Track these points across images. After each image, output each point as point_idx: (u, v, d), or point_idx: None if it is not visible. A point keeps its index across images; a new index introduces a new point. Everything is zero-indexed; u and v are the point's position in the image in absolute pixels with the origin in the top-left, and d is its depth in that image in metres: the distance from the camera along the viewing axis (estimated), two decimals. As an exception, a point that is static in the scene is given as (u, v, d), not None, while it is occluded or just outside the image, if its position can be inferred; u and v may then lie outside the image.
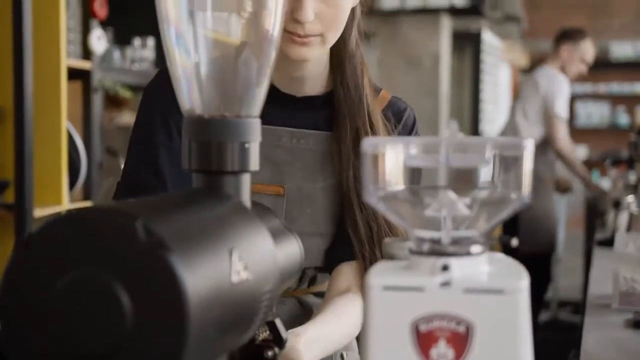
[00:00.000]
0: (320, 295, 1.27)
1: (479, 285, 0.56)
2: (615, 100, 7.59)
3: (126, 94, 3.26)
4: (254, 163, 0.65)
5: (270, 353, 0.69)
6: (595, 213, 4.17)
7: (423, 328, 0.56)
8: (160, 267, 0.49)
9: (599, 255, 2.49)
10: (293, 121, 1.21)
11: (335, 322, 1.13)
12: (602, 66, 6.52)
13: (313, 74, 1.22)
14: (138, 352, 0.49)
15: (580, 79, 4.53)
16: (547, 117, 4.00)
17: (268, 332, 0.71)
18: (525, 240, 3.71)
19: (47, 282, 0.50)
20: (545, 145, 4.01)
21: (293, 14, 1.08)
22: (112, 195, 1.23)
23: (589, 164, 5.88)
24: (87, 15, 3.02)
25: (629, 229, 2.14)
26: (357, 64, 1.23)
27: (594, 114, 7.63)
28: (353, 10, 1.20)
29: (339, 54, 1.23)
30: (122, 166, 1.22)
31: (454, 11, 5.04)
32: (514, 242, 0.66)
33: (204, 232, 0.56)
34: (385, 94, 1.29)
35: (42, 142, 2.59)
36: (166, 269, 0.48)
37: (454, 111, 5.63)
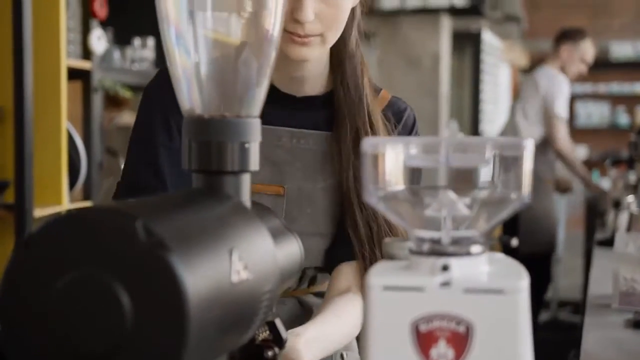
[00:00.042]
0: (321, 295, 1.27)
1: (479, 285, 0.56)
2: (615, 100, 7.59)
3: (126, 94, 3.26)
4: (254, 163, 0.65)
5: (270, 353, 0.69)
6: (595, 213, 4.17)
7: (423, 328, 0.56)
8: (160, 267, 0.49)
9: (599, 255, 2.49)
10: (293, 121, 1.21)
11: (335, 322, 1.13)
12: (602, 66, 6.52)
13: (313, 74, 1.22)
14: (138, 352, 0.49)
15: (580, 79, 4.53)
16: (547, 117, 4.00)
17: (268, 332, 0.71)
18: (525, 240, 3.71)
19: (47, 282, 0.50)
20: (545, 145, 4.01)
21: (293, 14, 1.08)
22: (112, 195, 1.22)
23: (589, 164, 5.88)
24: (87, 15, 3.02)
25: (629, 229, 2.14)
26: (357, 64, 1.23)
27: (594, 114, 7.63)
28: (353, 10, 1.20)
29: (339, 54, 1.23)
30: (122, 166, 1.22)
31: (454, 11, 5.04)
32: (514, 242, 0.66)
33: (204, 232, 0.56)
34: (385, 94, 1.29)
35: (42, 142, 2.59)
36: (166, 269, 0.48)
37: (454, 111, 5.64)
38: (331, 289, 1.21)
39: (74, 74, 2.88)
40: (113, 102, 3.81)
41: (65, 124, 2.70)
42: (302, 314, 1.24)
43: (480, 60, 5.96)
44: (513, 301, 0.56)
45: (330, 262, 1.23)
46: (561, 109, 3.99)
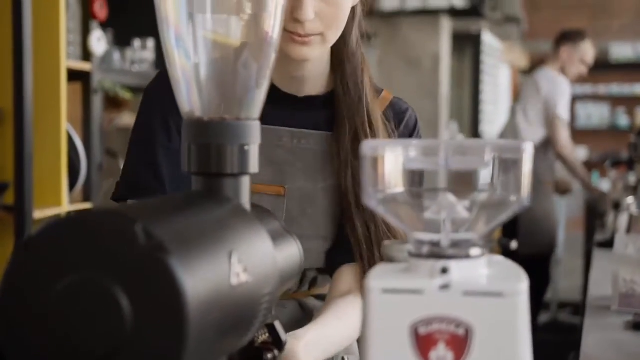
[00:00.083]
0: (321, 298, 1.27)
1: (478, 288, 0.56)
2: (615, 101, 7.59)
3: (126, 95, 3.26)
4: (254, 165, 0.65)
5: (269, 355, 0.69)
6: (595, 214, 4.17)
7: (422, 331, 0.56)
8: (160, 270, 0.49)
9: (599, 257, 2.49)
10: (294, 121, 1.21)
11: (336, 325, 1.12)
12: (602, 67, 6.52)
13: (314, 74, 1.22)
14: (137, 355, 0.49)
15: (580, 80, 4.53)
16: (549, 120, 4.00)
17: (267, 334, 0.71)
18: (525, 242, 3.71)
19: (47, 284, 0.50)
20: (545, 147, 4.01)
21: (293, 13, 1.08)
22: (111, 195, 1.22)
23: (589, 165, 5.88)
24: (87, 16, 3.02)
25: (628, 230, 2.14)
26: (357, 64, 1.23)
27: (594, 115, 7.63)
28: (354, 9, 1.19)
29: (339, 53, 1.22)
30: (122, 167, 1.22)
31: (454, 12, 5.05)
32: (514, 244, 0.66)
33: (204, 234, 0.56)
34: (387, 95, 1.28)
35: (42, 143, 2.59)
36: (166, 271, 0.49)
37: (454, 112, 5.64)
38: (332, 291, 1.21)
39: (74, 76, 2.88)
40: (113, 103, 3.81)
41: (65, 126, 2.70)
42: (303, 317, 1.24)
43: (480, 61, 5.96)
44: (512, 304, 0.56)
45: (331, 264, 1.23)
46: (563, 111, 3.99)
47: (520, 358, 0.56)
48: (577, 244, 5.10)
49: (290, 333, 1.03)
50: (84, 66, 2.95)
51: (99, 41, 3.02)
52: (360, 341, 0.64)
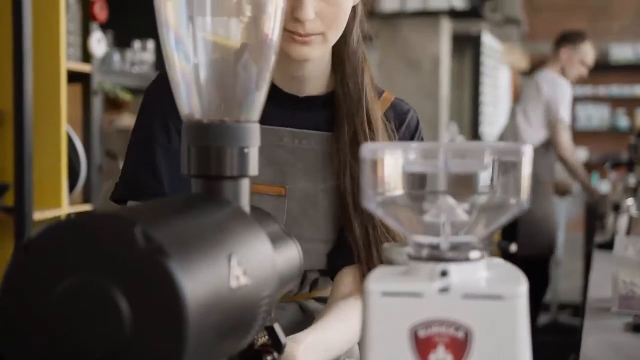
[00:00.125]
0: (322, 300, 1.26)
1: (477, 290, 0.56)
2: (615, 102, 7.59)
3: (126, 96, 3.26)
4: (253, 168, 0.65)
5: (269, 358, 0.69)
6: (595, 216, 4.17)
7: (422, 334, 0.56)
8: (159, 272, 0.49)
9: (599, 258, 2.49)
10: (294, 121, 1.21)
11: (337, 327, 1.12)
12: (602, 69, 6.53)
13: (315, 74, 1.21)
14: (137, 358, 0.49)
15: (580, 81, 4.53)
16: (551, 123, 4.00)
17: (267, 337, 0.71)
18: (524, 243, 3.71)
19: (47, 286, 0.50)
20: (545, 148, 4.01)
21: (293, 13, 1.08)
22: (110, 195, 1.22)
23: (589, 166, 5.89)
24: (87, 18, 3.02)
25: (628, 232, 2.14)
26: (358, 63, 1.22)
27: (594, 116, 7.64)
28: (354, 8, 1.19)
29: (340, 53, 1.22)
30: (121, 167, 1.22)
31: (453, 14, 5.05)
32: (513, 247, 0.66)
33: (203, 237, 0.56)
34: (388, 95, 1.28)
35: (41, 145, 2.59)
36: (165, 274, 0.49)
37: (453, 114, 5.64)
38: (334, 293, 1.20)
39: (74, 77, 2.88)
40: (113, 104, 3.81)
41: (64, 127, 2.70)
42: (304, 320, 1.23)
43: (480, 62, 5.97)
44: (512, 307, 0.56)
45: (332, 266, 1.22)
46: (565, 114, 4.00)
47: (520, 361, 0.56)
48: (576, 245, 5.10)
49: (290, 336, 1.02)
50: (84, 67, 2.95)
51: (98, 42, 3.02)
52: (360, 344, 0.64)
